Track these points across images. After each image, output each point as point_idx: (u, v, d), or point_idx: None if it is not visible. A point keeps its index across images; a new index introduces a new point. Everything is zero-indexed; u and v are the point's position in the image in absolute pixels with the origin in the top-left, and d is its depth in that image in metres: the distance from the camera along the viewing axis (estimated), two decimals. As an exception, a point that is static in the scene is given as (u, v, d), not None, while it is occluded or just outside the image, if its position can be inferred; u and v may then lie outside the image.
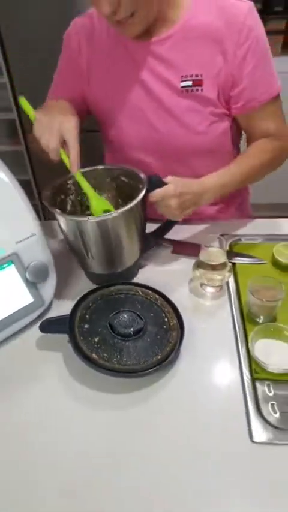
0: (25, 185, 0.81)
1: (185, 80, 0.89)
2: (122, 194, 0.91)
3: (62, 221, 0.81)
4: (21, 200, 0.80)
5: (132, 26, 0.82)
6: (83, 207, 0.90)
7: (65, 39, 0.98)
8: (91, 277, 0.91)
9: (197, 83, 0.88)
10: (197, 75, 0.88)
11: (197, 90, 0.89)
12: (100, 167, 0.90)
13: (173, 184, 0.81)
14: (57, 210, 0.78)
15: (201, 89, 0.89)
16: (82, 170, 0.81)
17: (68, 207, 0.89)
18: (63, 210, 0.88)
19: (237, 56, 0.86)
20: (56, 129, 0.75)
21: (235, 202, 1.04)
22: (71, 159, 0.77)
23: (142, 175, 0.84)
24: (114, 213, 0.76)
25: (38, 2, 1.91)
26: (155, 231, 0.93)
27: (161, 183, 0.81)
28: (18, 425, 0.66)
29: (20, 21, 2.00)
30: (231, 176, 0.91)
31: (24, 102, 0.79)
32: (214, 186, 0.88)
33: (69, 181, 0.87)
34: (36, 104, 1.07)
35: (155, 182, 0.81)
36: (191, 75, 0.88)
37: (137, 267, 0.92)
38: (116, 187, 0.92)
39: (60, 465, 0.61)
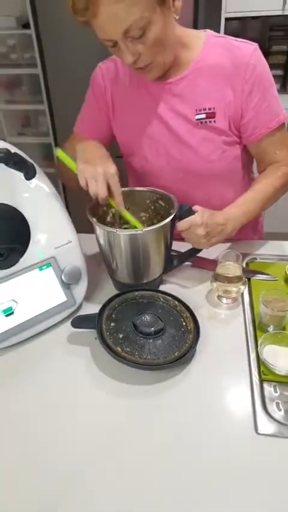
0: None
1: (199, 113, 0.99)
2: (157, 215, 1.01)
3: (97, 230, 0.91)
4: (61, 211, 0.91)
5: (151, 71, 0.93)
6: (121, 220, 0.99)
7: (92, 79, 1.10)
8: (116, 285, 1.00)
9: (210, 115, 0.99)
10: (210, 109, 0.99)
11: (210, 121, 1.00)
12: (143, 189, 1.01)
13: (200, 215, 0.89)
14: (93, 219, 0.89)
15: (214, 121, 0.99)
16: (128, 189, 0.97)
17: (108, 218, 1.00)
18: (103, 220, 0.98)
19: (244, 91, 0.96)
20: (102, 178, 0.84)
21: (249, 223, 1.13)
22: (117, 201, 0.88)
23: (175, 202, 0.93)
24: (140, 230, 0.86)
25: (79, 40, 2.09)
26: (179, 255, 1.01)
27: (190, 212, 0.89)
28: (46, 407, 0.75)
29: (61, 56, 2.18)
30: (250, 204, 1.00)
31: (61, 155, 0.88)
32: (237, 215, 0.96)
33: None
34: (71, 128, 1.19)
35: (185, 211, 0.90)
36: (205, 109, 0.99)
37: (158, 281, 1.00)
38: (153, 208, 1.02)
39: (72, 444, 0.69)
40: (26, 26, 2.27)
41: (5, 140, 2.94)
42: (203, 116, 1.00)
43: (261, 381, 0.76)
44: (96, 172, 0.85)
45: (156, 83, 1.00)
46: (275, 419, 0.70)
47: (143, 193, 1.00)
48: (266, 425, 0.69)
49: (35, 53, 2.25)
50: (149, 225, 0.94)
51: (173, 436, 0.69)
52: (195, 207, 0.90)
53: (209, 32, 1.00)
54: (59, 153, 0.88)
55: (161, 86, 1.00)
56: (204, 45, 0.98)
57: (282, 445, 0.67)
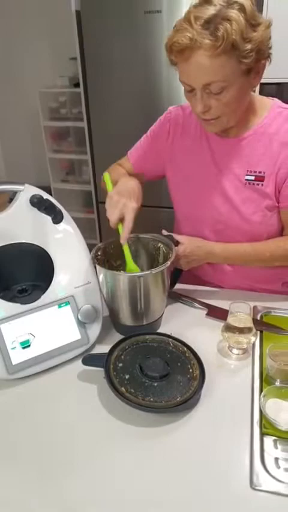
0: (92, 248, 1.00)
1: (249, 175, 1.05)
2: (160, 259, 1.06)
3: (102, 274, 0.96)
4: (84, 254, 0.98)
5: (214, 125, 1.00)
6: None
7: (160, 119, 1.19)
8: (118, 329, 1.03)
9: (259, 178, 1.04)
10: (260, 172, 1.04)
11: (258, 184, 1.05)
12: (148, 236, 1.07)
13: (184, 246, 1.03)
14: (97, 264, 0.95)
15: (262, 184, 1.04)
16: (134, 235, 1.02)
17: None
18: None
19: None
20: (119, 208, 0.96)
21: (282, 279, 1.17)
22: (123, 234, 0.96)
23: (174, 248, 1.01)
24: (141, 274, 0.94)
25: (122, 99, 2.26)
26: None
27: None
28: (49, 439, 0.78)
29: (105, 112, 2.36)
30: (238, 253, 1.09)
31: (107, 178, 1.02)
32: (219, 256, 1.10)
33: (112, 246, 1.04)
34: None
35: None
36: (255, 172, 1.04)
37: (159, 323, 1.05)
38: (159, 253, 1.07)
39: (71, 479, 0.71)
40: (76, 85, 2.49)
41: (49, 186, 3.14)
42: (252, 177, 1.05)
43: (262, 434, 0.76)
44: (118, 202, 0.97)
45: (218, 138, 1.08)
46: (271, 475, 0.69)
47: (148, 240, 1.07)
48: (262, 481, 0.68)
49: (82, 108, 2.45)
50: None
51: (165, 482, 0.69)
52: (181, 238, 1.04)
53: (276, 101, 1.06)
54: (105, 176, 1.03)
55: (221, 141, 1.07)
56: (269, 113, 1.04)
57: (275, 502, 0.66)
